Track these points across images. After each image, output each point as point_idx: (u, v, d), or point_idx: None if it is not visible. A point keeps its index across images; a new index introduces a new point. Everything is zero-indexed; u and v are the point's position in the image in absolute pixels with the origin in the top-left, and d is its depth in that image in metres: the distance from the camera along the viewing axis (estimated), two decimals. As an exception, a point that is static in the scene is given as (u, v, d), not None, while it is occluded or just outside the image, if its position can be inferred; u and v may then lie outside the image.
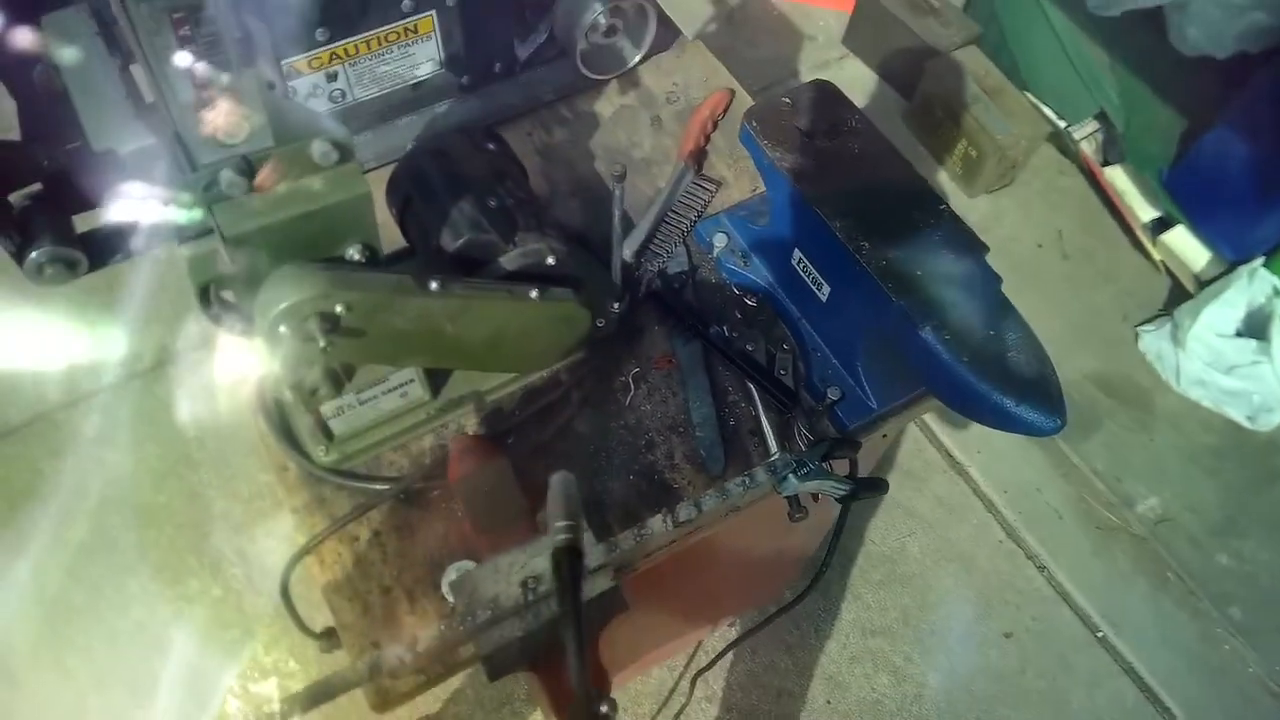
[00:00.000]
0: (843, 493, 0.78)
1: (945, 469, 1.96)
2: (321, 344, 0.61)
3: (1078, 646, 1.79)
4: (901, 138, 2.40)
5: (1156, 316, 2.15)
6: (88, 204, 0.96)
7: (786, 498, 0.78)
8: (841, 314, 0.85)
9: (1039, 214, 2.31)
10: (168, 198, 0.54)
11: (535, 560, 0.66)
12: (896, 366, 0.84)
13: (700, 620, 1.39)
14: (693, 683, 1.34)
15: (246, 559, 1.81)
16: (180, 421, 1.94)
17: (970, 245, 0.78)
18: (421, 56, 1.00)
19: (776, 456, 0.78)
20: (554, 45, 1.08)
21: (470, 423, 0.87)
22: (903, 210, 0.80)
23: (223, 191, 0.57)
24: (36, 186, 0.90)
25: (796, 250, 0.86)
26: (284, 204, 0.59)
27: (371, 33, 0.93)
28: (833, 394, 0.86)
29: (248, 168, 0.56)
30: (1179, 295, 2.14)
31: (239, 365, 0.91)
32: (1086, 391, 2.06)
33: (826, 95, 0.87)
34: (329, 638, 0.90)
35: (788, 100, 0.87)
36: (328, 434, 0.82)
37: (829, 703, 1.70)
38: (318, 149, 0.58)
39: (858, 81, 2.54)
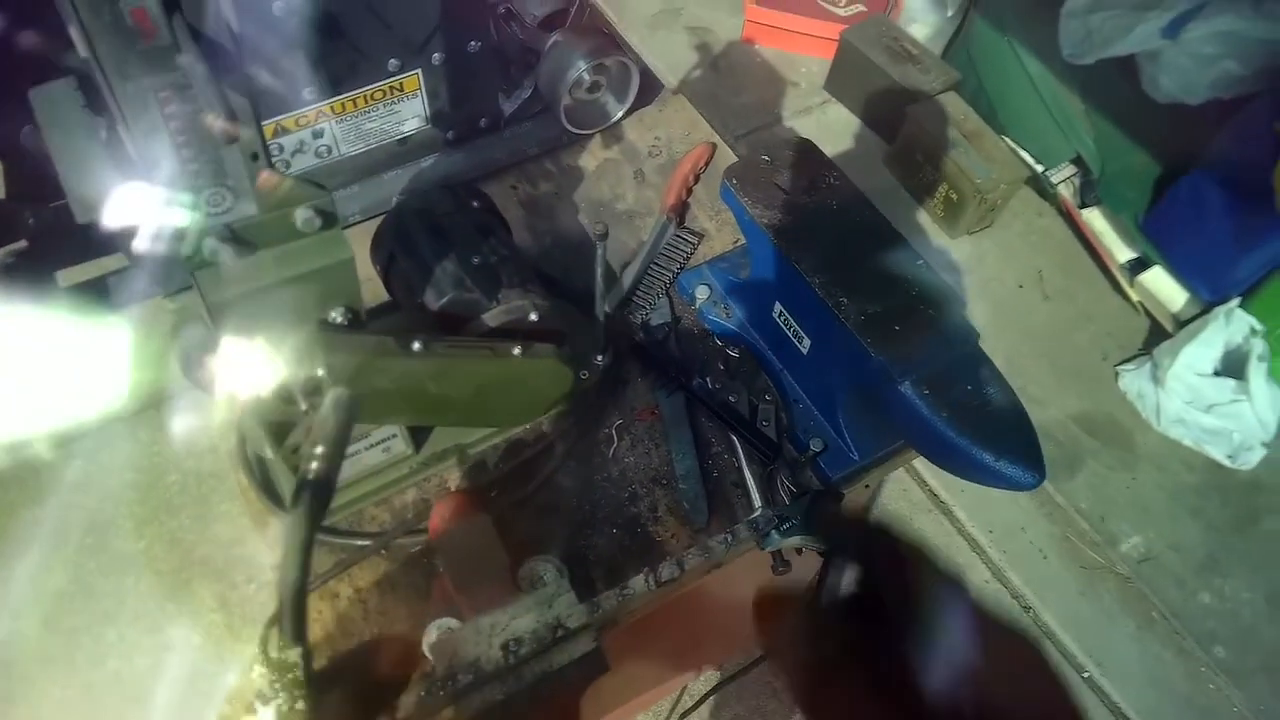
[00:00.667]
0: (826, 547, 0.78)
1: (930, 509, 1.96)
2: (303, 407, 0.62)
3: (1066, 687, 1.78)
4: (883, 180, 2.44)
5: (1136, 356, 2.17)
6: (71, 260, 0.96)
7: (770, 552, 0.78)
8: (823, 366, 0.86)
9: (1019, 255, 2.35)
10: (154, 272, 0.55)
11: (516, 622, 0.66)
12: (878, 418, 0.84)
13: (683, 667, 1.38)
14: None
15: (227, 606, 1.79)
16: (161, 466, 1.92)
17: (947, 298, 0.79)
18: (407, 113, 1.01)
19: (759, 513, 0.78)
20: (538, 101, 1.10)
21: (453, 477, 0.87)
22: (880, 264, 0.81)
23: (205, 259, 0.57)
24: (22, 244, 0.90)
25: (777, 303, 0.87)
26: (267, 270, 0.59)
27: (358, 91, 0.95)
28: (815, 445, 0.87)
29: (231, 236, 0.57)
30: (1158, 335, 2.17)
31: (218, 416, 0.91)
32: (1070, 431, 2.07)
33: (805, 152, 0.89)
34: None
35: (767, 158, 0.88)
36: (310, 490, 0.82)
37: (817, 748, 1.69)
38: (300, 216, 0.59)
39: (840, 125, 2.58)
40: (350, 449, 0.80)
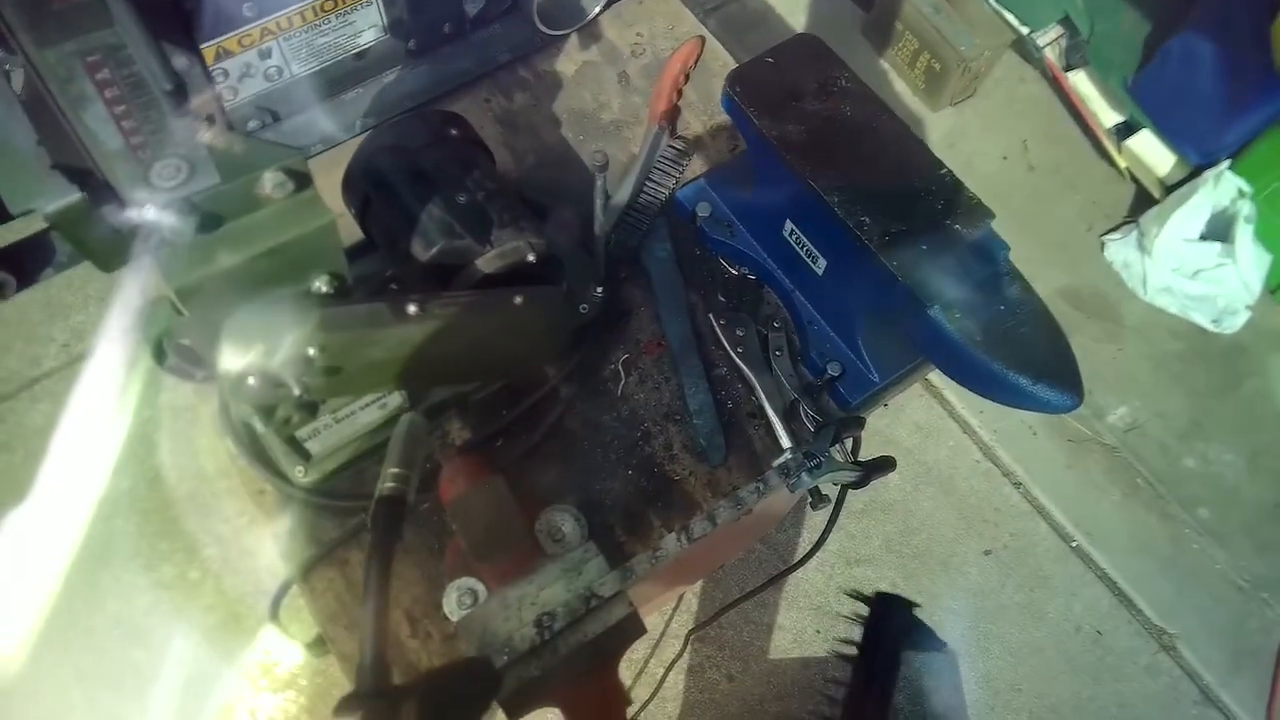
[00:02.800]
0: (853, 479, 0.75)
1: (922, 393, 1.96)
2: (296, 391, 0.56)
3: (1054, 558, 1.84)
4: (860, 52, 2.32)
5: (1122, 225, 2.14)
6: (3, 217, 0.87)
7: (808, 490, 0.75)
8: (840, 287, 0.81)
9: (1003, 125, 2.26)
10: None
11: (545, 593, 0.62)
12: (897, 337, 0.80)
13: (681, 582, 1.39)
14: (687, 639, 1.35)
15: (221, 539, 1.76)
16: (133, 402, 1.85)
17: (975, 213, 0.74)
18: (363, 23, 0.91)
19: (789, 456, 0.74)
20: (503, 0, 0.99)
21: (454, 427, 0.83)
22: (902, 179, 0.75)
23: (165, 239, 0.50)
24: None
25: (788, 221, 0.81)
26: (237, 245, 0.52)
27: (306, 2, 0.84)
28: (833, 369, 0.83)
29: (191, 210, 0.49)
30: (1144, 202, 2.13)
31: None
32: (1056, 306, 2.02)
33: (813, 51, 0.81)
34: (320, 644, 0.87)
35: (770, 59, 0.80)
36: (304, 454, 0.77)
37: (819, 632, 1.74)
38: (270, 180, 0.51)
39: (813, -8, 2.43)
40: (344, 410, 0.75)
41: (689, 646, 1.65)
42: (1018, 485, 1.89)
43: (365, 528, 0.78)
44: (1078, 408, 0.69)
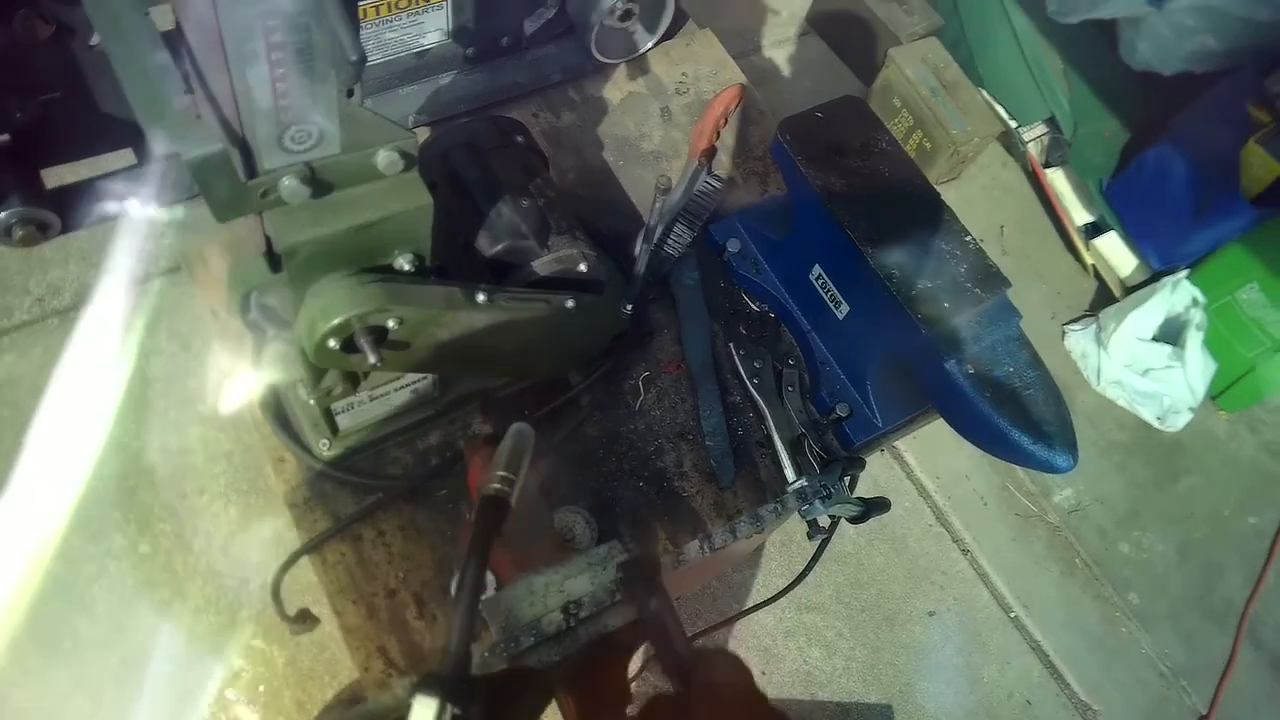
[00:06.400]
0: (855, 513, 0.80)
1: (882, 451, 2.03)
2: (372, 359, 0.58)
3: (993, 625, 1.91)
4: (858, 121, 2.42)
5: (1083, 317, 2.26)
6: (59, 158, 0.88)
7: (808, 521, 0.79)
8: (858, 334, 0.86)
9: (982, 209, 2.38)
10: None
11: (571, 582, 0.65)
12: (903, 386, 0.86)
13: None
14: (640, 668, 1.37)
15: (176, 515, 1.73)
16: (102, 365, 1.82)
17: (994, 280, 0.80)
18: (430, 25, 0.94)
19: (805, 483, 0.79)
20: (561, 22, 1.03)
21: (476, 421, 0.85)
22: (931, 239, 0.81)
23: (280, 198, 0.52)
24: (4, 137, 0.82)
25: (817, 266, 0.87)
26: (343, 213, 0.55)
27: (386, -2, 0.87)
28: (841, 410, 0.88)
29: (310, 175, 0.52)
30: (1105, 298, 2.26)
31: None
32: (1015, 385, 2.15)
33: (858, 112, 0.87)
34: (302, 621, 0.88)
35: (820, 115, 0.86)
36: (333, 428, 0.79)
37: (764, 673, 1.77)
38: (384, 158, 0.54)
39: (817, 60, 2.54)
40: (380, 389, 0.77)
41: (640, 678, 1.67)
42: (965, 552, 1.96)
43: (382, 506, 0.80)
44: (1072, 469, 0.75)
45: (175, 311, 1.79)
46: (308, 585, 0.83)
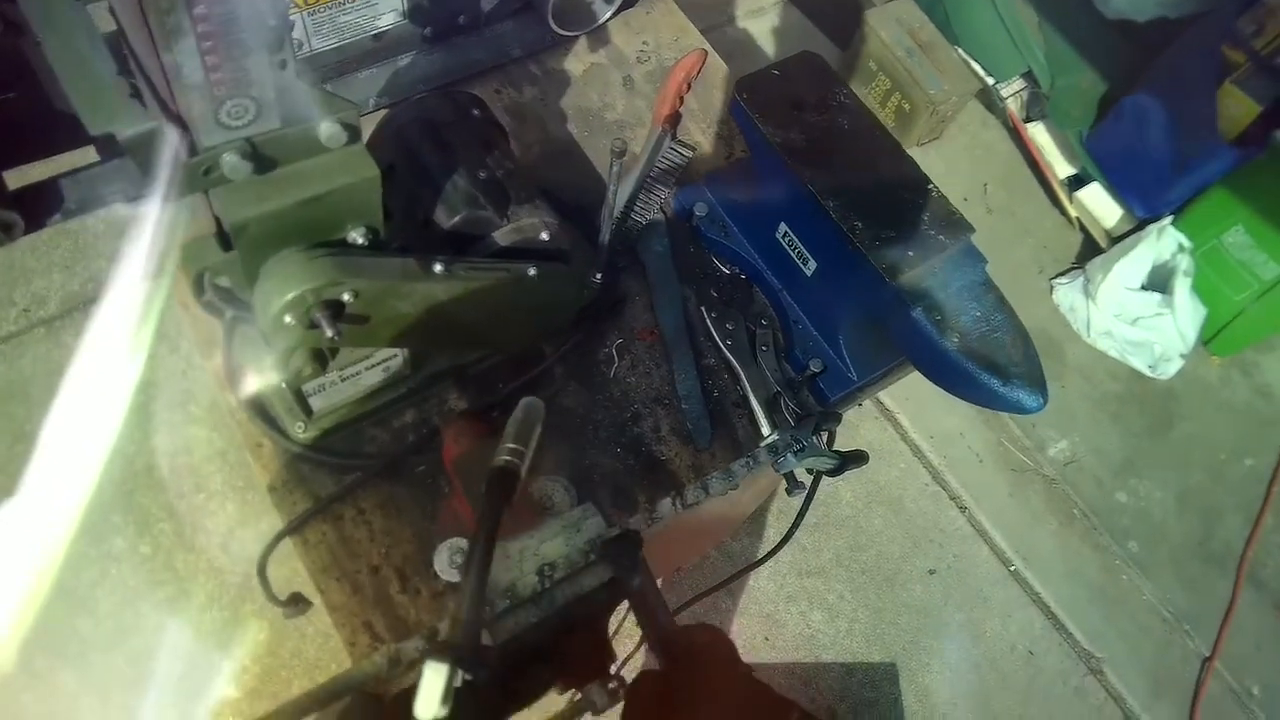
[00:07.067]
0: (831, 466, 0.80)
1: (876, 416, 2.04)
2: (329, 333, 0.59)
3: (993, 580, 1.92)
4: (836, 87, 2.41)
5: (1070, 270, 2.26)
6: (20, 159, 0.88)
7: (784, 474, 0.80)
8: (827, 289, 0.86)
9: (965, 168, 2.38)
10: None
11: (545, 546, 0.66)
12: (879, 339, 0.86)
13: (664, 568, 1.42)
14: (641, 641, 1.38)
15: (175, 515, 1.74)
16: (92, 372, 1.82)
17: (957, 226, 0.80)
18: (384, 6, 0.94)
19: (776, 437, 0.79)
20: (518, -4, 1.03)
21: (451, 397, 0.86)
22: (893, 189, 0.81)
23: (224, 175, 0.53)
24: (-38, 140, 0.82)
25: (783, 224, 0.87)
26: (288, 188, 0.55)
27: (336, -20, 0.87)
28: (815, 366, 0.88)
29: (252, 151, 0.52)
30: (1092, 250, 2.25)
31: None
32: (1006, 341, 2.16)
33: (815, 68, 0.87)
34: (294, 604, 0.88)
35: (776, 72, 0.86)
36: (307, 410, 0.79)
37: (767, 639, 1.78)
38: (325, 130, 0.54)
39: (793, 28, 2.53)
40: (350, 369, 0.77)
41: (643, 646, 1.68)
42: (963, 509, 1.97)
43: (361, 485, 0.80)
44: (1042, 409, 0.75)
45: (161, 313, 1.79)
46: (300, 570, 0.84)
